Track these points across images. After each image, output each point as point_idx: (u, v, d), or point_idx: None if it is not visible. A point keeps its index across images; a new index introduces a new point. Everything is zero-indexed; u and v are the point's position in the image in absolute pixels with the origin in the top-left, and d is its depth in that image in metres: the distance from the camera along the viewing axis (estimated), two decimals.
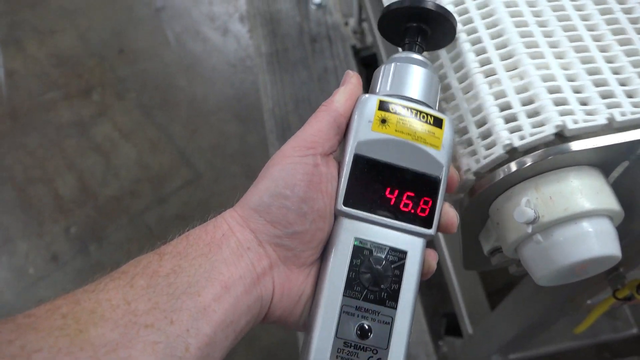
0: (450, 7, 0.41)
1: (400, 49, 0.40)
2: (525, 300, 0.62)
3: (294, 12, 1.46)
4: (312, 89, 1.33)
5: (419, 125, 0.34)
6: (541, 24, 0.40)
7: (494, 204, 0.39)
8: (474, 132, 0.37)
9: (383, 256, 0.33)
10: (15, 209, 1.40)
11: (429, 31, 0.38)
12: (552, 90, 0.36)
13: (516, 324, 0.68)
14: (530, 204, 0.35)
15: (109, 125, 1.52)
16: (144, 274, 0.29)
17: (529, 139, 0.35)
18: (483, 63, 0.39)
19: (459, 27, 0.40)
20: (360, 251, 0.33)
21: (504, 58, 0.38)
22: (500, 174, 0.36)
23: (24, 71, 1.62)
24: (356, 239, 0.34)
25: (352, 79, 0.37)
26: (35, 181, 1.44)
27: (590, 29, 0.40)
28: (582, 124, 0.35)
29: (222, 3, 1.74)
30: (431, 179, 0.34)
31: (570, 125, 0.34)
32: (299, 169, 0.33)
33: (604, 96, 0.36)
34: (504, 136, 0.35)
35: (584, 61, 0.38)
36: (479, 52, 0.39)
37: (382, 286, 0.33)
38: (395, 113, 0.34)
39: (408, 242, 0.34)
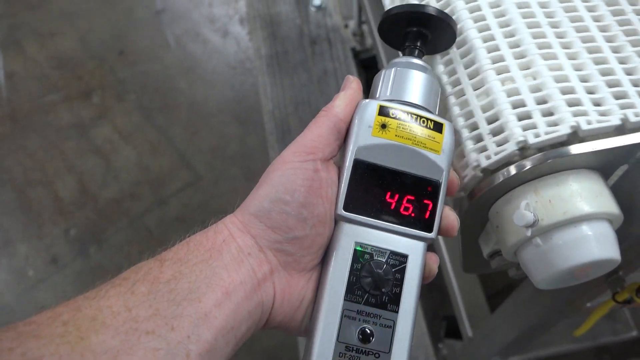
0: (461, 4, 0.41)
1: (400, 53, 0.40)
2: (524, 302, 0.62)
3: (294, 14, 1.46)
4: (311, 92, 1.33)
5: (419, 130, 0.34)
6: (553, 25, 0.40)
7: (493, 207, 0.39)
8: (484, 128, 0.37)
9: (384, 260, 0.34)
10: (15, 211, 1.40)
11: (429, 35, 0.38)
12: (565, 91, 0.36)
13: (516, 326, 0.68)
14: (529, 207, 0.35)
15: (108, 128, 1.53)
16: (144, 280, 0.29)
17: (544, 137, 0.35)
18: (495, 60, 0.38)
19: (471, 24, 0.40)
20: (361, 255, 0.34)
21: (517, 57, 0.38)
22: (500, 177, 0.36)
23: (24, 73, 1.62)
24: (357, 243, 0.34)
25: (353, 84, 0.37)
26: (35, 183, 1.44)
27: (602, 29, 0.40)
28: (596, 125, 0.35)
29: (222, 5, 1.74)
30: (431, 183, 0.34)
31: (584, 126, 0.34)
32: (299, 174, 0.33)
33: (618, 97, 0.36)
34: (518, 133, 0.35)
35: (597, 62, 0.38)
36: (492, 50, 0.39)
37: (383, 290, 0.33)
38: (395, 118, 0.34)
39: (409, 245, 0.34)
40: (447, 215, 0.35)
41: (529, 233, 0.35)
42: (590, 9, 0.41)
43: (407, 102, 0.36)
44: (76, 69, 1.63)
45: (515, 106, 0.36)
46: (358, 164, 0.34)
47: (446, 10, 0.41)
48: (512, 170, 0.35)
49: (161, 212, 1.40)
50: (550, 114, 0.36)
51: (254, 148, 1.48)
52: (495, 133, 0.37)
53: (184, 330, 0.28)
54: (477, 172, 0.37)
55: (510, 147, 0.35)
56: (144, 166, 1.47)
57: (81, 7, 1.74)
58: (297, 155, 0.33)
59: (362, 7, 1.16)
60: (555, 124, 0.35)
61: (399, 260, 0.34)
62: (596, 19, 0.40)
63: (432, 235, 0.34)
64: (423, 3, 0.42)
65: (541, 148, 0.35)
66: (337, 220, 0.34)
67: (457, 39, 0.40)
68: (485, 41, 0.39)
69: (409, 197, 0.34)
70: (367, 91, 0.39)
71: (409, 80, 0.36)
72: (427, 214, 0.34)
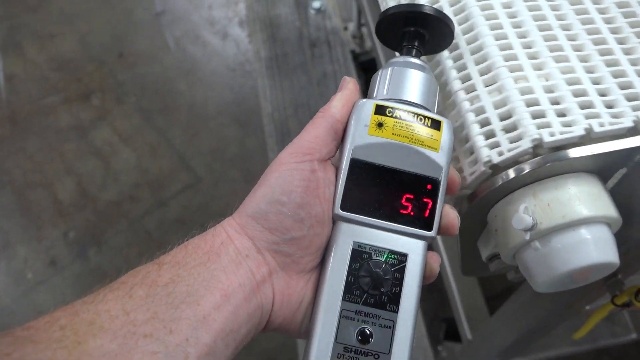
0: (473, 2, 0.40)
1: (397, 54, 0.40)
2: (524, 305, 0.62)
3: (294, 16, 1.46)
4: (311, 94, 1.33)
5: (417, 128, 0.34)
6: (565, 27, 0.40)
7: (492, 211, 0.39)
8: (497, 124, 0.37)
9: (382, 259, 0.33)
10: (14, 213, 1.40)
11: (426, 35, 0.38)
12: (577, 93, 0.36)
13: (515, 329, 0.68)
14: (528, 210, 0.35)
15: (108, 130, 1.53)
16: (142, 284, 0.29)
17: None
18: (508, 58, 0.38)
19: (482, 21, 0.40)
20: (359, 255, 0.33)
21: (529, 57, 0.38)
22: (499, 180, 0.36)
23: (23, 75, 1.62)
24: (355, 242, 0.33)
25: (349, 85, 0.37)
26: (34, 185, 1.44)
27: (614, 31, 0.40)
28: (608, 127, 0.35)
29: (221, 7, 1.74)
30: (430, 180, 0.34)
31: (597, 128, 0.34)
32: (295, 175, 0.33)
33: (630, 99, 0.36)
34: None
35: (609, 64, 0.38)
36: (504, 48, 0.39)
37: (382, 289, 0.33)
38: (391, 116, 0.34)
39: (408, 244, 0.34)
40: (448, 214, 0.35)
41: (527, 236, 0.35)
42: (602, 11, 0.41)
43: (404, 100, 0.35)
44: (76, 71, 1.63)
45: (529, 104, 0.36)
46: (355, 163, 0.34)
47: (457, 7, 0.41)
48: (511, 173, 0.35)
49: (161, 214, 1.40)
50: (563, 115, 0.36)
51: (254, 150, 1.48)
52: (508, 130, 0.36)
53: (182, 333, 0.28)
54: (486, 169, 0.36)
55: (525, 144, 0.35)
56: (144, 168, 1.47)
57: (81, 9, 1.74)
58: (294, 156, 0.33)
59: (362, 10, 1.17)
60: (569, 125, 0.35)
61: (399, 259, 0.33)
62: (607, 21, 0.40)
63: (432, 233, 0.34)
64: (420, 2, 0.42)
65: (553, 148, 0.35)
66: (335, 220, 0.34)
67: (468, 36, 0.40)
68: (497, 39, 0.39)
69: (408, 195, 0.34)
70: (366, 93, 0.39)
71: (406, 79, 0.36)
72: (427, 212, 0.34)
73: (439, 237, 0.90)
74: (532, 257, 0.36)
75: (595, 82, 0.37)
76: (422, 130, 0.34)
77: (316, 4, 1.47)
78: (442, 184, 0.34)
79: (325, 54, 1.40)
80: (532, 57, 0.38)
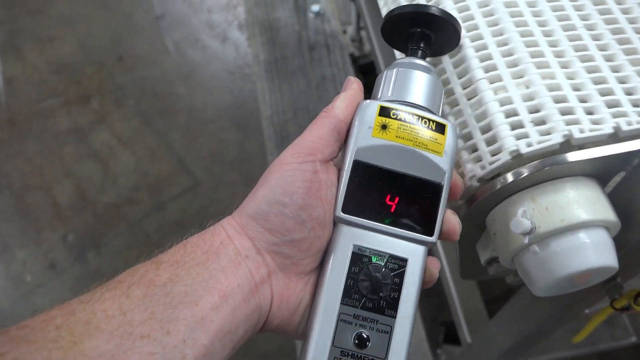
0: (455, 13, 0.40)
1: (403, 55, 0.39)
2: (523, 309, 0.62)
3: (293, 20, 1.46)
4: (310, 97, 1.33)
5: (421, 131, 0.34)
6: (546, 34, 0.40)
7: (490, 215, 0.39)
8: (478, 138, 0.37)
9: (382, 264, 0.33)
10: (13, 216, 1.40)
11: (432, 36, 0.38)
12: (558, 99, 0.36)
13: (514, 332, 0.68)
14: (526, 214, 0.35)
15: (107, 133, 1.53)
16: (140, 283, 0.29)
17: (536, 147, 0.35)
18: (488, 69, 0.38)
19: (463, 32, 0.40)
20: (359, 258, 0.33)
21: (509, 65, 0.38)
22: (497, 184, 0.36)
23: (22, 78, 1.62)
24: (355, 246, 0.33)
25: (353, 85, 0.36)
26: (33, 188, 1.44)
27: (595, 38, 0.40)
28: (588, 133, 0.35)
29: (221, 11, 1.75)
30: (433, 185, 0.34)
31: (577, 135, 0.34)
32: (297, 176, 0.32)
33: (610, 105, 0.36)
34: (511, 142, 0.35)
35: (590, 70, 0.38)
36: (484, 59, 0.39)
37: (381, 294, 0.32)
38: (396, 119, 0.34)
39: (409, 249, 0.33)
40: (449, 219, 0.34)
41: (526, 240, 0.35)
42: (583, 18, 0.41)
43: (408, 102, 0.35)
44: (75, 74, 1.63)
45: (508, 115, 0.36)
46: (357, 166, 0.33)
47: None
48: (509, 177, 0.35)
49: (160, 217, 1.40)
50: (543, 122, 0.36)
51: (253, 153, 1.48)
52: (489, 142, 0.37)
53: (179, 334, 0.28)
54: (473, 182, 0.37)
55: (504, 157, 0.35)
56: (143, 171, 1.47)
57: (80, 12, 1.75)
58: (296, 156, 0.33)
59: (360, 13, 1.17)
60: (547, 133, 0.35)
61: (398, 264, 0.33)
62: (589, 28, 0.40)
63: (432, 239, 0.33)
64: (427, 3, 0.42)
65: (534, 157, 0.35)
66: (336, 222, 0.34)
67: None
68: (477, 50, 0.39)
69: (410, 199, 0.33)
70: (366, 96, 0.39)
71: (411, 81, 0.35)
72: (428, 217, 0.33)
73: (438, 241, 0.90)
74: (531, 260, 0.36)
75: (576, 88, 0.37)
76: (427, 134, 0.34)
77: (315, 8, 1.48)
78: (444, 188, 0.34)
79: (324, 57, 1.40)
80: (513, 64, 0.38)
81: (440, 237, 0.34)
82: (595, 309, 0.57)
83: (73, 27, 1.72)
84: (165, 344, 0.27)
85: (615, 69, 0.38)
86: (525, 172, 0.35)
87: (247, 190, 0.34)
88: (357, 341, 0.32)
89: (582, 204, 0.35)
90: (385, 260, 0.33)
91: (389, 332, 0.32)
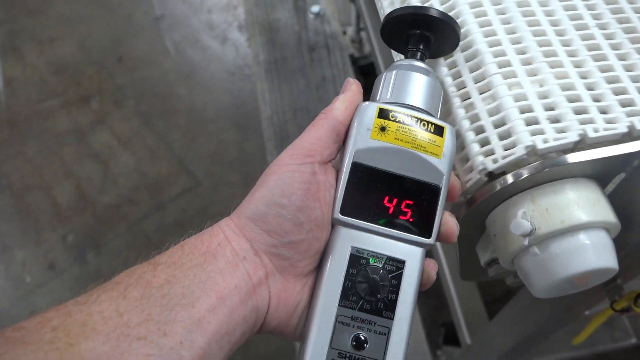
0: (466, 9, 0.40)
1: (402, 56, 0.39)
2: (523, 310, 0.62)
3: (293, 21, 1.46)
4: (310, 98, 1.33)
5: (419, 133, 0.34)
6: (559, 33, 0.39)
7: (490, 216, 0.39)
8: (491, 131, 0.36)
9: (380, 265, 0.33)
10: (13, 216, 1.40)
11: (432, 38, 0.38)
12: (523, 110, 0.36)
13: (514, 334, 0.68)
14: (526, 216, 0.35)
15: (107, 133, 1.53)
16: (137, 284, 0.29)
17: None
18: (502, 65, 0.38)
19: (476, 28, 0.39)
20: (357, 260, 0.33)
21: (523, 63, 0.38)
22: (497, 185, 0.36)
23: (22, 79, 1.62)
24: (353, 247, 0.33)
25: (352, 87, 0.36)
26: (33, 189, 1.44)
27: (608, 37, 0.40)
28: (602, 133, 0.34)
29: (221, 12, 1.75)
30: (431, 187, 0.34)
31: (592, 134, 0.34)
32: (296, 177, 0.32)
33: (624, 104, 0.36)
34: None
35: (603, 69, 0.38)
36: (498, 54, 0.38)
37: (378, 296, 0.33)
38: (395, 121, 0.34)
39: (406, 251, 0.33)
40: (447, 221, 0.34)
41: (526, 242, 0.35)
42: (595, 17, 0.40)
43: (407, 104, 0.35)
44: (75, 75, 1.63)
45: (522, 111, 0.36)
46: (356, 167, 0.33)
47: (451, 14, 0.41)
48: (509, 178, 0.35)
49: (159, 218, 1.40)
50: (557, 121, 0.36)
51: (253, 154, 1.48)
52: (502, 137, 0.36)
53: (176, 335, 0.28)
54: (482, 176, 0.36)
55: (519, 152, 0.34)
56: (143, 172, 1.47)
57: (80, 12, 1.75)
58: (295, 157, 0.33)
59: (360, 14, 1.17)
60: (562, 131, 0.35)
61: (396, 266, 0.33)
62: (601, 27, 0.40)
63: (430, 241, 0.34)
64: (426, 5, 0.42)
65: (547, 154, 0.35)
66: (334, 224, 0.34)
67: (462, 42, 0.39)
68: (491, 46, 0.39)
69: (408, 201, 0.33)
70: (366, 97, 0.39)
71: (410, 83, 0.35)
72: (426, 219, 0.34)
73: (438, 242, 0.90)
74: (531, 262, 0.36)
75: (590, 87, 0.37)
76: (425, 136, 0.34)
77: (315, 9, 1.48)
78: (442, 191, 0.34)
79: (324, 58, 1.40)
80: (526, 62, 0.38)
81: (438, 239, 0.34)
82: (595, 310, 0.56)
83: (73, 27, 1.72)
84: (162, 345, 0.27)
85: (628, 68, 0.38)
86: (525, 173, 0.35)
87: (247, 191, 0.34)
88: (354, 343, 0.32)
89: (582, 205, 0.35)
90: (383, 262, 0.33)
91: (386, 334, 0.32)
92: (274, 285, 0.33)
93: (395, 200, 0.33)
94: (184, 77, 1.62)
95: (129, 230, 1.38)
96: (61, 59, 1.65)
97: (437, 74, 0.40)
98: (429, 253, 0.35)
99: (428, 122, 0.34)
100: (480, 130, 0.37)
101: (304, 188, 0.32)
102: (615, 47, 0.39)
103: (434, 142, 0.34)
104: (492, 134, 0.36)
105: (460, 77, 0.39)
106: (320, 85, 1.35)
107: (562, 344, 0.92)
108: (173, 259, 0.31)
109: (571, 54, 0.39)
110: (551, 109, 0.36)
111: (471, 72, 0.39)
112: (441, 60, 0.41)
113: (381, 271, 0.33)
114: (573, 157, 0.34)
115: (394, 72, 0.36)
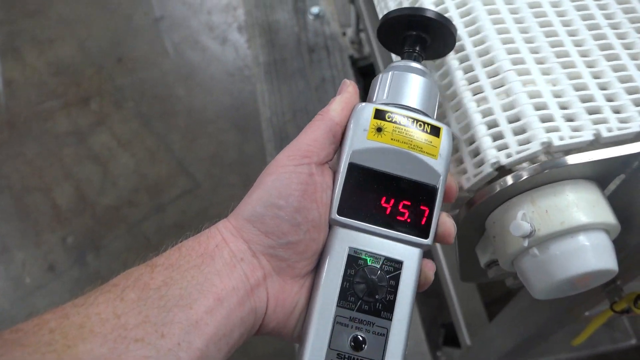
0: (479, 5, 0.41)
1: (399, 57, 0.39)
2: (522, 311, 0.62)
3: (292, 22, 1.46)
4: (309, 99, 1.33)
5: (416, 134, 0.34)
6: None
7: (490, 217, 0.39)
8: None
9: (378, 266, 0.33)
10: (12, 218, 1.40)
11: (428, 40, 0.38)
12: (538, 107, 0.36)
13: (514, 335, 0.68)
14: (526, 217, 0.35)
15: (107, 135, 1.52)
16: (135, 286, 0.29)
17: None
18: (516, 62, 0.38)
19: (489, 24, 0.40)
20: (355, 261, 0.33)
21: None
22: (497, 187, 0.36)
23: (22, 80, 1.62)
24: (351, 248, 0.33)
25: (349, 88, 0.36)
26: (32, 190, 1.44)
27: (620, 37, 0.40)
28: (616, 132, 0.35)
29: (220, 13, 1.75)
30: (428, 188, 0.34)
31: (605, 134, 0.34)
32: (293, 178, 0.32)
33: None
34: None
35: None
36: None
37: (376, 297, 0.33)
38: (391, 121, 0.34)
39: (404, 252, 0.33)
40: (444, 222, 0.35)
41: (525, 243, 0.35)
42: (608, 17, 0.41)
43: (404, 105, 0.35)
44: (75, 76, 1.63)
45: (537, 108, 0.36)
46: (353, 168, 0.34)
47: (463, 10, 0.41)
48: (509, 180, 0.35)
49: (159, 219, 1.40)
50: (571, 120, 0.36)
51: (252, 155, 1.48)
52: (517, 132, 0.36)
53: (174, 337, 0.28)
54: (492, 170, 0.36)
55: (534, 147, 0.35)
56: (142, 173, 1.46)
57: (80, 14, 1.75)
58: (292, 159, 0.33)
59: (360, 15, 1.17)
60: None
61: (394, 266, 0.33)
62: (614, 27, 0.40)
63: (428, 241, 0.34)
64: (422, 6, 0.42)
65: (561, 151, 0.35)
66: (332, 225, 0.34)
67: (475, 38, 0.40)
68: (504, 43, 0.39)
69: (405, 202, 0.34)
70: (365, 98, 0.39)
71: (406, 84, 0.36)
72: (423, 219, 0.34)
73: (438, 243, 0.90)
74: (531, 263, 0.36)
75: (603, 87, 0.37)
76: (422, 137, 0.34)
77: (315, 10, 1.48)
78: (439, 191, 0.34)
79: (324, 59, 1.40)
80: (539, 62, 0.38)
81: (435, 239, 0.35)
82: (595, 311, 0.56)
83: (73, 28, 1.72)
84: (159, 347, 0.27)
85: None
86: (524, 175, 0.35)
87: (246, 192, 0.34)
88: (353, 344, 0.32)
89: (581, 206, 0.35)
90: (380, 263, 0.33)
91: (385, 335, 0.32)
92: (272, 286, 0.33)
93: (392, 201, 0.34)
94: (184, 78, 1.62)
95: (128, 231, 1.38)
96: (61, 60, 1.65)
97: (448, 67, 0.40)
98: (427, 254, 0.35)
99: (424, 123, 0.34)
100: (493, 124, 0.37)
101: (301, 189, 0.32)
102: (627, 47, 0.40)
103: (431, 142, 0.34)
104: (506, 128, 0.36)
105: (472, 71, 0.39)
106: (319, 86, 1.35)
107: (562, 345, 0.92)
108: (170, 261, 0.31)
109: (583, 54, 0.39)
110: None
111: (484, 66, 0.39)
112: (452, 54, 0.40)
113: (379, 272, 0.33)
114: (573, 159, 0.34)
115: (390, 73, 0.36)
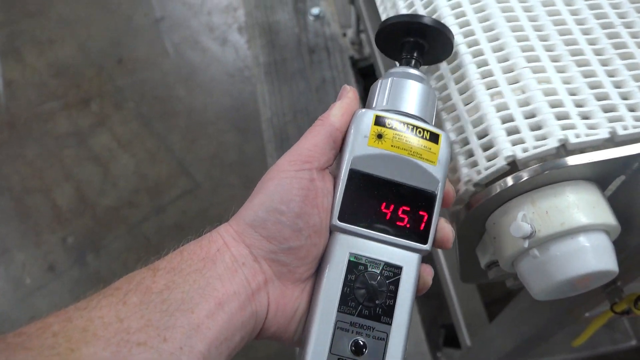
0: (451, 20, 0.41)
1: (397, 63, 0.40)
2: (523, 312, 0.62)
3: (292, 23, 1.46)
4: (310, 100, 1.33)
5: (415, 141, 0.34)
6: (542, 38, 0.40)
7: (490, 218, 0.39)
8: (475, 143, 0.37)
9: (378, 271, 0.33)
10: (13, 218, 1.40)
11: (426, 46, 0.38)
12: (553, 104, 0.36)
13: (514, 336, 0.68)
14: (526, 218, 0.35)
15: (107, 135, 1.53)
16: (137, 290, 0.29)
17: (532, 152, 0.35)
18: (484, 75, 0.39)
19: (460, 39, 0.40)
20: (355, 266, 0.33)
21: (505, 71, 0.38)
22: (497, 188, 0.36)
23: (22, 81, 1.62)
24: (351, 254, 0.33)
25: (349, 94, 0.37)
26: (33, 191, 1.44)
27: (591, 42, 0.40)
28: (584, 138, 0.35)
29: (221, 13, 1.75)
30: (427, 194, 0.34)
31: (573, 139, 0.35)
32: (294, 183, 0.32)
33: (606, 110, 0.37)
34: (507, 148, 0.35)
35: (586, 75, 0.38)
36: (481, 65, 0.39)
37: (377, 302, 0.33)
38: (391, 128, 0.34)
39: (403, 257, 0.34)
40: (443, 227, 0.35)
41: (526, 244, 0.35)
42: (579, 22, 0.41)
43: (403, 112, 0.35)
44: (75, 77, 1.63)
45: (504, 121, 0.37)
46: (353, 174, 0.34)
47: (477, 6, 0.41)
48: (509, 181, 0.35)
49: (159, 220, 1.40)
50: (539, 127, 0.36)
51: (253, 156, 1.48)
52: (485, 148, 0.37)
53: (176, 341, 0.28)
54: (469, 187, 0.37)
55: (499, 163, 0.35)
56: (142, 174, 1.47)
57: (80, 14, 1.75)
58: (293, 164, 0.33)
59: (360, 16, 1.17)
60: (543, 138, 0.35)
61: (393, 271, 0.34)
62: (585, 32, 0.40)
63: (426, 247, 0.34)
64: (420, 14, 0.43)
65: (529, 162, 0.35)
66: (332, 230, 0.34)
67: (488, 34, 0.40)
68: (474, 56, 0.39)
69: (404, 208, 0.34)
70: (365, 99, 0.39)
71: (406, 91, 0.36)
72: (422, 225, 0.34)
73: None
74: (531, 264, 0.36)
75: (572, 93, 0.37)
76: (421, 143, 0.34)
77: (315, 11, 1.48)
78: (438, 197, 0.34)
79: (324, 60, 1.40)
80: (508, 69, 0.39)
81: (434, 245, 0.35)
82: (595, 312, 0.56)
83: (73, 29, 1.72)
84: (161, 351, 0.27)
85: (611, 74, 0.38)
86: (525, 176, 0.35)
87: (246, 193, 0.34)
88: (353, 348, 0.32)
89: (582, 207, 0.35)
90: (380, 268, 0.34)
91: (385, 339, 0.33)
92: (273, 291, 0.33)
93: (392, 207, 0.34)
94: (184, 79, 1.62)
95: (128, 232, 1.38)
96: (61, 61, 1.65)
97: (460, 60, 0.40)
98: (425, 258, 0.35)
99: (424, 130, 0.35)
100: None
101: (302, 194, 0.32)
102: (598, 53, 0.40)
103: (430, 149, 0.34)
104: (475, 145, 0.37)
105: (447, 89, 0.40)
106: (320, 87, 1.35)
107: (562, 346, 0.92)
108: (172, 265, 0.31)
109: (554, 59, 0.39)
110: (533, 116, 0.37)
111: (457, 83, 0.40)
112: (463, 48, 0.40)
113: (379, 277, 0.33)
114: (573, 160, 0.34)
115: (389, 79, 0.37)
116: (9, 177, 1.46)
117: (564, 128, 0.35)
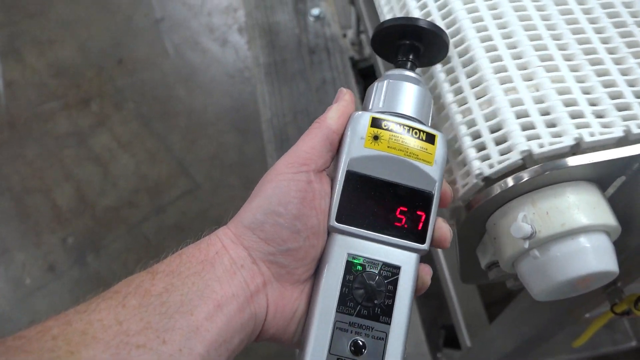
0: (463, 14, 0.41)
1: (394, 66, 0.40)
2: (523, 312, 0.62)
3: (292, 23, 1.46)
4: (310, 100, 1.33)
5: (412, 142, 0.35)
6: (555, 37, 0.40)
7: (490, 219, 0.39)
8: (487, 136, 0.37)
9: (376, 272, 0.34)
10: (13, 219, 1.40)
11: (421, 48, 0.39)
12: (568, 103, 0.36)
13: (514, 336, 0.68)
14: (527, 219, 0.35)
15: (107, 136, 1.53)
16: (136, 293, 0.29)
17: (547, 148, 0.35)
18: (498, 70, 0.38)
19: (473, 33, 0.40)
20: (353, 267, 0.34)
21: (519, 68, 0.38)
22: (497, 188, 0.36)
23: (22, 81, 1.62)
24: (349, 254, 0.34)
25: (345, 96, 0.37)
26: (33, 191, 1.44)
27: (604, 41, 0.40)
28: (598, 137, 0.35)
29: (221, 14, 1.75)
30: (424, 194, 0.34)
31: (587, 138, 0.35)
32: (292, 186, 0.33)
33: (620, 108, 0.36)
34: (522, 142, 0.35)
35: (599, 74, 0.38)
36: (494, 60, 0.39)
37: (375, 302, 0.33)
38: (387, 130, 0.35)
39: (401, 257, 0.34)
40: (440, 227, 0.35)
41: (526, 245, 0.35)
42: (592, 21, 0.41)
43: (399, 113, 0.36)
44: (75, 77, 1.63)
45: (518, 116, 0.36)
46: (350, 176, 0.34)
47: (448, 20, 0.42)
48: (510, 182, 0.35)
49: (159, 220, 1.40)
50: (553, 125, 0.36)
51: (253, 157, 1.48)
52: (498, 142, 0.37)
53: (175, 343, 0.28)
54: (478, 181, 0.36)
55: (514, 157, 0.35)
56: (142, 174, 1.47)
57: (80, 15, 1.75)
58: (291, 166, 0.33)
59: (360, 17, 1.17)
60: (558, 135, 0.35)
61: (392, 271, 0.34)
62: (598, 31, 0.40)
63: (424, 246, 0.34)
64: (415, 16, 0.43)
65: (543, 159, 0.35)
66: (330, 231, 0.34)
67: (459, 48, 0.40)
68: (487, 51, 0.39)
69: (402, 208, 0.34)
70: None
71: (402, 93, 0.36)
72: (420, 225, 0.34)
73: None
74: (531, 265, 0.36)
75: (586, 91, 0.37)
76: (417, 144, 0.35)
77: (315, 11, 1.48)
78: (435, 197, 0.35)
79: (324, 60, 1.40)
80: (522, 67, 0.38)
81: (432, 244, 0.35)
82: (595, 313, 0.56)
83: (73, 30, 1.72)
84: (161, 353, 0.27)
85: (625, 73, 0.38)
86: (525, 176, 0.35)
87: (246, 194, 0.34)
88: (353, 348, 0.32)
89: (582, 208, 0.35)
90: (378, 268, 0.34)
91: (384, 339, 0.33)
92: (272, 292, 0.33)
93: (389, 208, 0.34)
94: (184, 80, 1.62)
95: (128, 232, 1.38)
96: (61, 62, 1.65)
97: (436, 80, 0.41)
98: (425, 257, 0.35)
99: (420, 131, 0.35)
100: (477, 135, 0.37)
101: (300, 196, 0.33)
102: (611, 52, 0.39)
103: (426, 149, 0.35)
104: (488, 139, 0.37)
105: (457, 82, 0.40)
106: (320, 87, 1.35)
107: (563, 347, 0.92)
108: (171, 268, 0.31)
109: (567, 58, 0.39)
110: (547, 114, 0.36)
111: (468, 77, 0.39)
112: (439, 66, 0.41)
113: (377, 277, 0.33)
114: (573, 161, 0.34)
115: (385, 82, 0.37)
116: (9, 177, 1.46)
117: (579, 127, 0.35)
